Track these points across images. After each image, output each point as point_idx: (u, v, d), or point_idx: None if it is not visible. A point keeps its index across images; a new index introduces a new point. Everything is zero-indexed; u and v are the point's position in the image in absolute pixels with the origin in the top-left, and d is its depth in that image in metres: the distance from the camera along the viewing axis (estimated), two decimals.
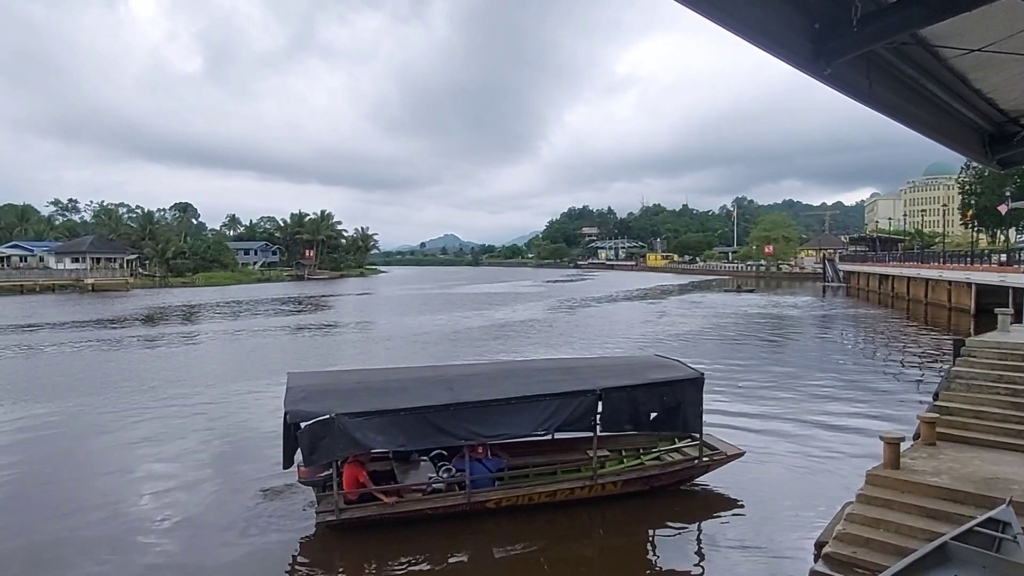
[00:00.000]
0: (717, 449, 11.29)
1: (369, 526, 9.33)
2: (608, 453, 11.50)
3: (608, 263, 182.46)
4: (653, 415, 10.52)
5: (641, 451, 11.74)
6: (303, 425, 8.90)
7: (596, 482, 10.26)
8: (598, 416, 10.12)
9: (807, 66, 3.57)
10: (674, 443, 11.88)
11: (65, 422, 16.24)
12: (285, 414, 8.99)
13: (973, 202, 75.11)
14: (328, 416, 8.81)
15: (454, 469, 10.10)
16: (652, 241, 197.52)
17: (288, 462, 9.44)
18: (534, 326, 38.51)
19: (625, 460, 11.39)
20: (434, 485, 9.88)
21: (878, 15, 3.35)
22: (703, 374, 11.00)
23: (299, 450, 9.04)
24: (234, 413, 16.97)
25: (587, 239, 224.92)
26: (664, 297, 65.00)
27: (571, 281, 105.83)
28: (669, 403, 10.52)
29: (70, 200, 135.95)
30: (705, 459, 10.94)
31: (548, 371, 11.09)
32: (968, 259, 46.44)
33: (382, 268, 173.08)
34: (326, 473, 9.50)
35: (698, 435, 10.95)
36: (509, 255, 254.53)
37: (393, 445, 9.41)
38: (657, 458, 11.35)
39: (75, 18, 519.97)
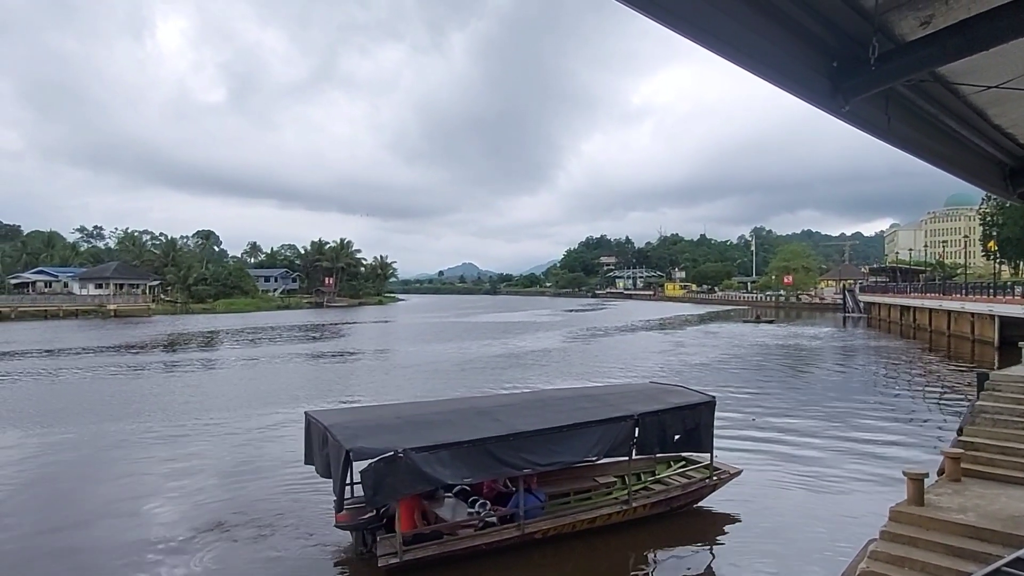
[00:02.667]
0: (720, 469, 11.87)
1: (425, 567, 8.89)
2: (614, 479, 11.64)
3: (626, 292, 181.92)
4: (677, 437, 11.11)
5: (643, 475, 11.98)
6: (368, 463, 8.35)
7: (631, 506, 10.51)
8: (635, 440, 10.52)
9: (826, 103, 3.62)
10: (670, 466, 12.31)
11: (80, 454, 16.10)
12: (347, 452, 8.32)
13: (995, 233, 74.25)
14: (393, 452, 8.37)
15: (488, 504, 10.04)
16: (670, 270, 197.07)
17: (341, 505, 8.95)
18: (553, 355, 38.41)
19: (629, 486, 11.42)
20: (487, 519, 9.77)
21: (895, 54, 3.39)
22: (715, 398, 11.77)
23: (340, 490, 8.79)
24: (258, 447, 16.53)
25: (605, 268, 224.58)
26: (682, 327, 64.55)
27: (589, 310, 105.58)
28: (689, 425, 11.18)
29: (95, 227, 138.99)
30: (714, 478, 11.61)
31: (573, 399, 11.43)
32: (991, 291, 45.80)
33: (400, 296, 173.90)
34: (368, 516, 9.23)
35: (710, 454, 11.63)
36: (527, 284, 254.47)
37: (457, 479, 8.99)
38: (659, 481, 11.71)
39: (105, 51, 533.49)
